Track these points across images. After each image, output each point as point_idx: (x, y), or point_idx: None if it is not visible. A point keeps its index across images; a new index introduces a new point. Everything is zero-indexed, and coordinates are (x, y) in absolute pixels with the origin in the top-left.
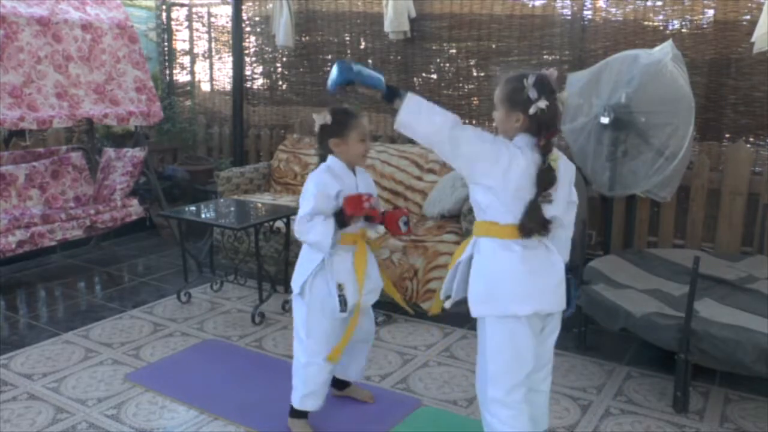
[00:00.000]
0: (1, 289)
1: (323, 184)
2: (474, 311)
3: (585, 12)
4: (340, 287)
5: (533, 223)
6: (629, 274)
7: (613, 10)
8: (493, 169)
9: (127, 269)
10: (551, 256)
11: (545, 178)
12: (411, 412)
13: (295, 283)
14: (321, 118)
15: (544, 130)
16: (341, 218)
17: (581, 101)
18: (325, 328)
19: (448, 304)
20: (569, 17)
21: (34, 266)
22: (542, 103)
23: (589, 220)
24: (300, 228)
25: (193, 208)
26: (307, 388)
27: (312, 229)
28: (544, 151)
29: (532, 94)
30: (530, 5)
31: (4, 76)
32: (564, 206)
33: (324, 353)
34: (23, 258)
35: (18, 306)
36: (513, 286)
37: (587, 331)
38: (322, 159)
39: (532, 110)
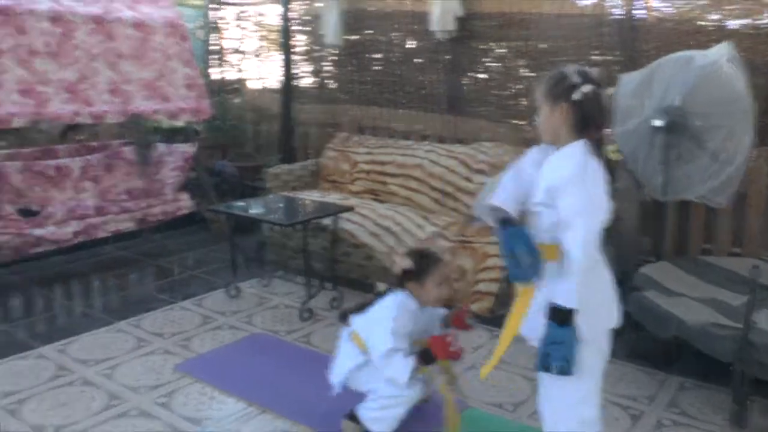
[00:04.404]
0: (57, 278)
1: (401, 325)
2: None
3: (637, 11)
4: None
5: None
6: (682, 281)
7: (667, 9)
8: None
9: (178, 262)
10: None
11: (606, 173)
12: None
13: (334, 380)
14: (402, 262)
15: (591, 122)
16: (426, 358)
17: (633, 103)
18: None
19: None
20: (620, 16)
21: (88, 257)
22: (586, 88)
23: (640, 225)
24: (379, 362)
25: (242, 203)
26: (380, 413)
27: (390, 366)
28: (597, 144)
29: (575, 79)
30: (580, 4)
31: (61, 73)
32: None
33: (410, 391)
34: (78, 248)
35: (73, 295)
36: (607, 299)
37: (637, 338)
38: (393, 288)
39: (576, 96)
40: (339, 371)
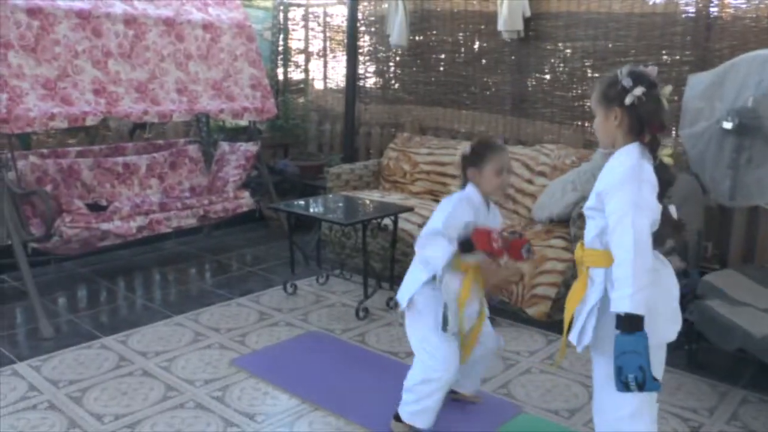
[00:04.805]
0: (121, 271)
1: (459, 213)
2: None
3: (711, 9)
4: (444, 306)
5: (667, 228)
6: (749, 291)
7: (744, 6)
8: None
9: (236, 258)
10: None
11: (662, 176)
12: (511, 418)
13: (402, 296)
14: (463, 148)
15: (646, 124)
16: (466, 247)
17: (702, 105)
18: (438, 345)
19: (580, 348)
20: (693, 14)
21: (150, 251)
22: (638, 90)
23: (704, 231)
24: (422, 240)
25: (302, 202)
26: (419, 405)
27: (431, 246)
28: (652, 147)
29: (626, 82)
30: (651, 2)
31: (132, 73)
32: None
33: (441, 371)
34: (141, 243)
35: (135, 288)
36: (667, 308)
37: (699, 348)
38: (463, 185)
39: (628, 100)
40: (409, 287)
